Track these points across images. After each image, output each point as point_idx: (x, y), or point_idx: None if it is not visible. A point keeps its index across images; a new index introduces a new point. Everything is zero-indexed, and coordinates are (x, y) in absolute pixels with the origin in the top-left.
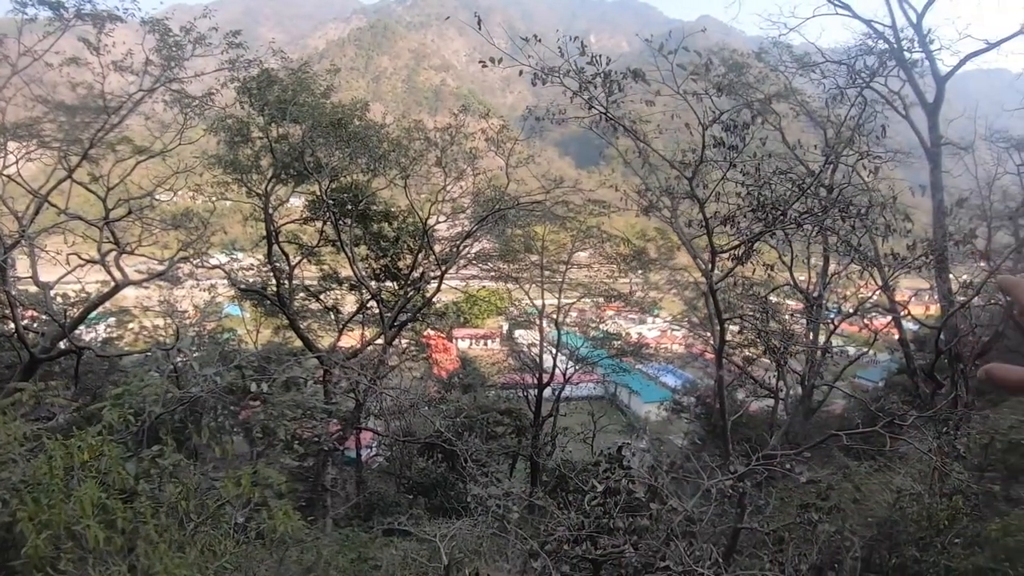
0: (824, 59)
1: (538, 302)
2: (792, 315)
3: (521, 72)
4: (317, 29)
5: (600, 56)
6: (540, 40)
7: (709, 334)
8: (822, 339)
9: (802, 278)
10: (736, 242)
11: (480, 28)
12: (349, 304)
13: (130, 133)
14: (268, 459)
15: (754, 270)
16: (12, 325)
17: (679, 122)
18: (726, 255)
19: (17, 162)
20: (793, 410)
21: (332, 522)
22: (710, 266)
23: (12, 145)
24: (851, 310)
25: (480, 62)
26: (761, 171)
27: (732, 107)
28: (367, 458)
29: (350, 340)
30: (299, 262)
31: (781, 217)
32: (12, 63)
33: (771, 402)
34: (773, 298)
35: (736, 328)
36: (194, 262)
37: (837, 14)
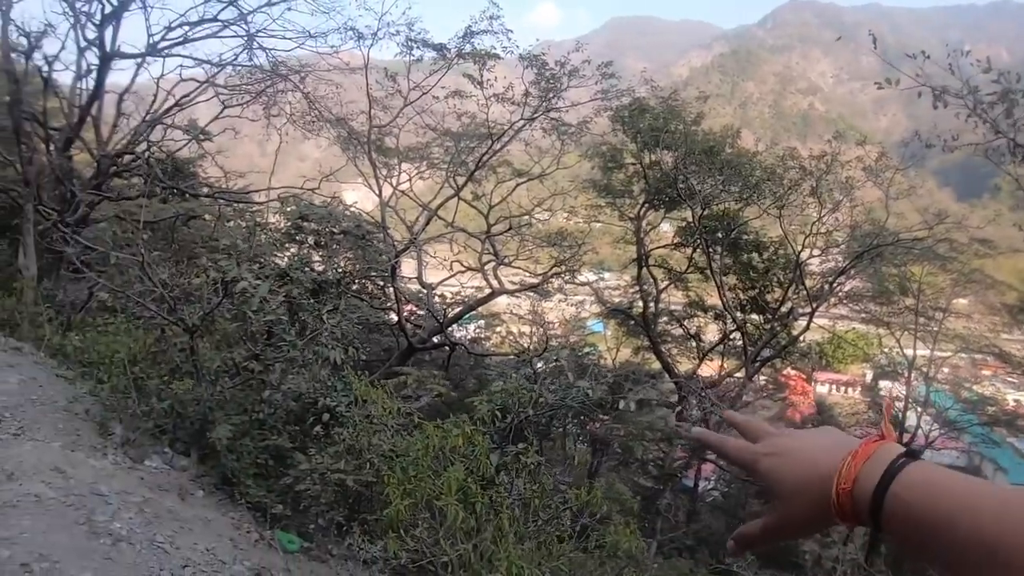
0: None
1: (908, 351)
2: None
3: (898, 88)
4: (680, 57)
5: (1011, 73)
6: (929, 56)
7: None
8: None
9: None
10: None
11: (875, 47)
12: (710, 333)
13: (510, 157)
14: (620, 475)
15: None
16: (396, 316)
17: None
18: None
19: (410, 180)
20: None
21: (657, 546)
22: None
23: (405, 165)
24: None
25: (876, 84)
26: None
27: None
28: (703, 490)
29: (708, 369)
30: (667, 287)
31: None
32: (404, 95)
33: None
34: None
35: None
36: (565, 278)
37: None
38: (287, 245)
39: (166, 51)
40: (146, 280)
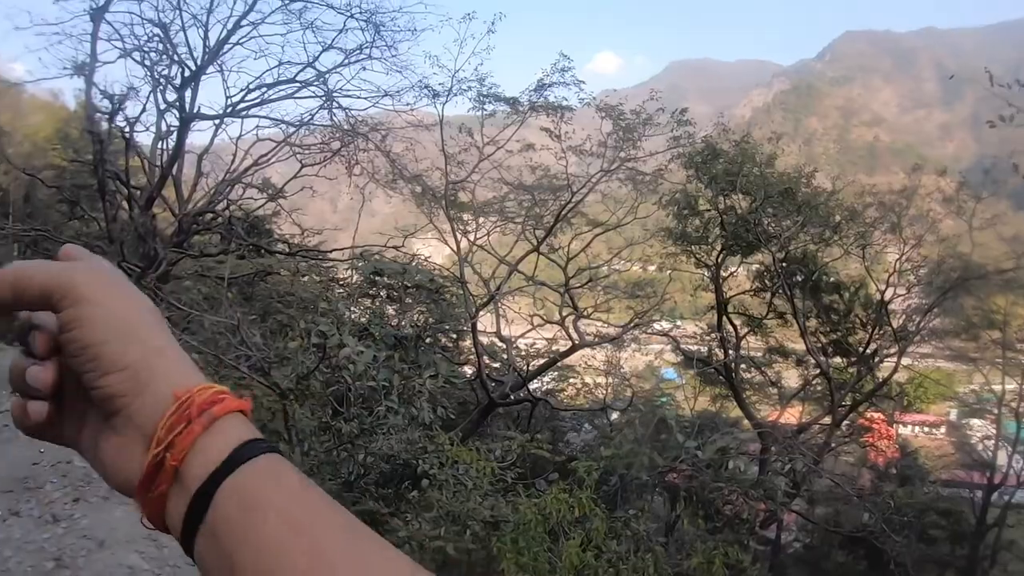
0: None
1: (996, 387)
2: None
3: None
4: (741, 98)
5: None
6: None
7: None
8: None
9: None
10: None
11: (992, 84)
12: (790, 379)
13: (584, 208)
14: (724, 537)
15: None
16: (475, 371)
17: None
18: None
19: (488, 234)
20: None
21: None
22: None
23: (481, 219)
24: None
25: (988, 122)
26: None
27: None
28: (785, 541)
29: (788, 417)
30: (747, 333)
31: None
32: (480, 149)
33: None
34: None
35: None
36: (642, 328)
37: None
38: (360, 300)
39: (244, 112)
40: (238, 343)
